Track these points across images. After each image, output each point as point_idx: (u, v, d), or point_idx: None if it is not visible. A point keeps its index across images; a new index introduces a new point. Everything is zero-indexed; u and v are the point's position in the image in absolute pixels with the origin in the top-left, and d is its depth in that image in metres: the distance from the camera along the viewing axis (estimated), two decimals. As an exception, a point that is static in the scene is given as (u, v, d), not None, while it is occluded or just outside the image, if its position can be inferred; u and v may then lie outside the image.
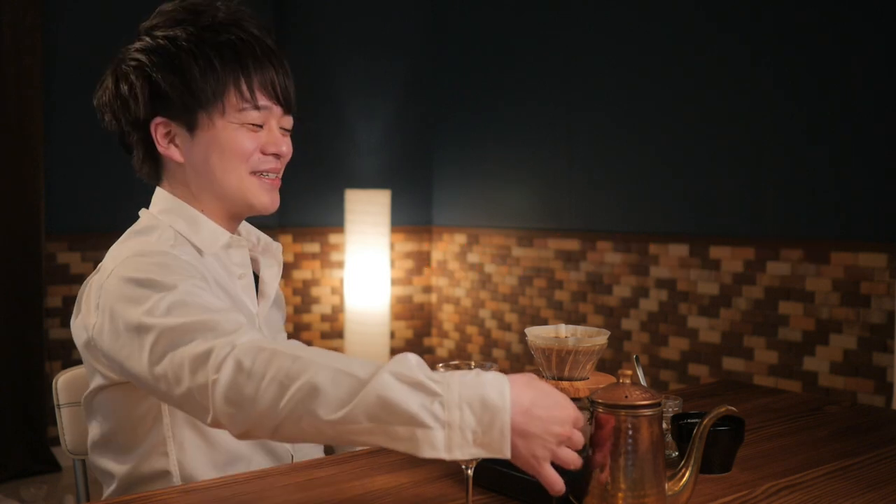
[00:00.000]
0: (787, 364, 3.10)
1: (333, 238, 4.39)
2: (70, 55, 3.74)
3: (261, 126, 1.34)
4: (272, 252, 1.47)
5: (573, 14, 3.85)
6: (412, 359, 1.01)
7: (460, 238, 4.48)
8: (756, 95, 3.20)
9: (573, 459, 1.01)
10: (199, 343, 1.09)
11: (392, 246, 4.46)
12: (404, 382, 0.98)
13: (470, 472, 1.07)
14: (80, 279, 3.69)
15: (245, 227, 1.48)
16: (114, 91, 1.34)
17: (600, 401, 1.07)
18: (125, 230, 1.38)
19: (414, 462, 1.34)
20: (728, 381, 2.13)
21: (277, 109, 1.35)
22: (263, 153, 1.35)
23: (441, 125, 4.57)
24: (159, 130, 1.33)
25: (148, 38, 1.34)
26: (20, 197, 3.62)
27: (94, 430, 1.35)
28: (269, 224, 4.09)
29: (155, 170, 1.38)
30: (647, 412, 1.05)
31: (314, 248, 4.36)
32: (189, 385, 1.08)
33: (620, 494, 1.05)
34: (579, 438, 1.02)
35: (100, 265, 1.29)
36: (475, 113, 4.38)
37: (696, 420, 1.37)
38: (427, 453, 0.97)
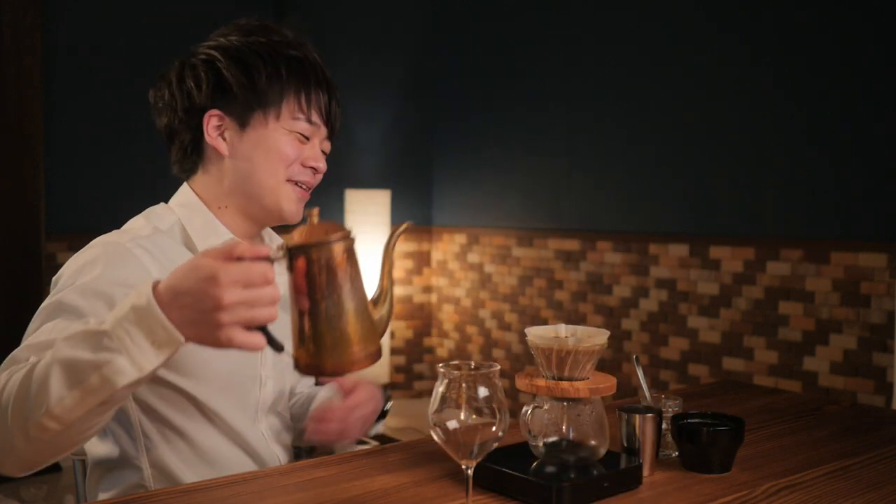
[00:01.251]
0: (787, 364, 3.10)
1: (333, 238, 4.39)
2: (70, 55, 3.74)
3: (307, 139, 1.42)
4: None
5: (573, 14, 3.85)
6: (78, 323, 1.10)
7: (460, 238, 4.48)
8: (756, 95, 3.20)
9: (265, 317, 1.00)
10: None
11: (392, 246, 4.46)
12: (73, 340, 1.02)
13: (470, 472, 1.07)
14: (80, 279, 3.68)
15: (268, 233, 1.54)
16: (178, 81, 1.40)
17: (289, 245, 1.03)
18: None
19: (414, 462, 1.34)
20: (728, 381, 2.13)
21: (324, 130, 1.45)
22: (303, 165, 1.42)
23: (441, 125, 4.57)
24: (212, 122, 1.39)
25: (222, 39, 1.42)
26: (20, 197, 3.62)
27: None
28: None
29: (193, 163, 1.43)
30: (336, 245, 1.02)
31: (314, 248, 4.37)
32: None
33: (321, 336, 1.03)
34: (257, 296, 0.99)
35: None
36: (475, 113, 4.39)
37: (697, 420, 1.37)
38: (123, 381, 1.00)
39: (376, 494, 1.20)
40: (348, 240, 1.04)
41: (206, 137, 1.39)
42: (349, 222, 4.15)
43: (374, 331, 1.08)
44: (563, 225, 3.93)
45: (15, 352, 1.17)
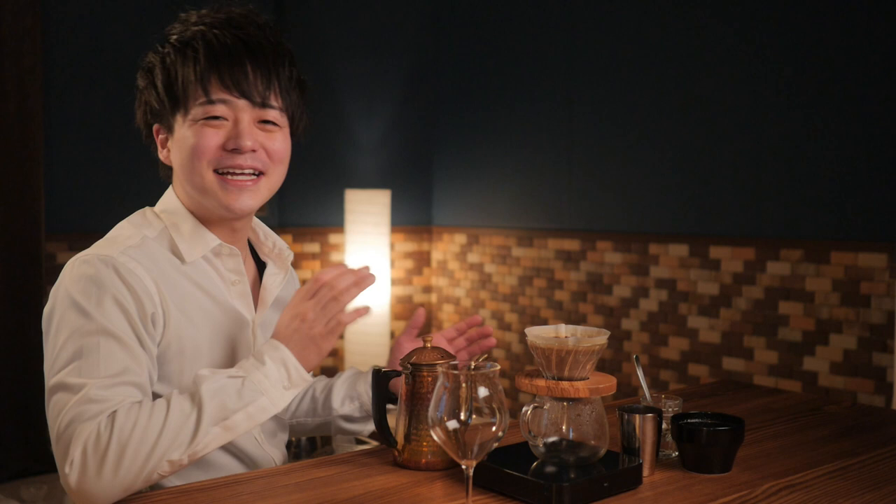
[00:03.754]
0: (787, 364, 3.10)
1: (333, 238, 4.39)
2: (70, 55, 3.74)
3: (223, 120, 1.31)
4: (282, 260, 1.48)
5: (574, 13, 3.85)
6: (206, 371, 1.21)
7: (460, 238, 4.48)
8: (756, 95, 3.20)
9: (350, 318, 1.27)
10: (77, 423, 1.15)
11: (392, 246, 4.46)
12: (216, 387, 1.19)
13: (470, 471, 1.07)
14: (80, 279, 3.66)
15: (262, 229, 1.51)
16: (137, 93, 1.41)
17: (410, 363, 1.31)
18: None
19: (414, 462, 1.34)
20: (728, 381, 2.13)
21: (243, 103, 1.31)
22: (224, 149, 1.31)
23: (441, 125, 4.57)
24: (159, 136, 1.38)
25: (151, 52, 1.39)
26: (20, 197, 3.62)
27: None
28: (268, 224, 4.09)
29: (168, 169, 1.42)
30: (438, 368, 1.26)
31: (314, 248, 4.37)
32: (55, 445, 1.18)
33: (420, 433, 1.30)
34: (339, 295, 1.25)
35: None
36: (475, 113, 4.39)
37: (697, 420, 1.37)
38: (264, 417, 1.22)
39: (376, 494, 1.20)
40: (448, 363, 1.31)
41: (159, 152, 1.39)
42: (349, 222, 4.15)
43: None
44: (563, 225, 3.93)
45: (67, 379, 1.17)
